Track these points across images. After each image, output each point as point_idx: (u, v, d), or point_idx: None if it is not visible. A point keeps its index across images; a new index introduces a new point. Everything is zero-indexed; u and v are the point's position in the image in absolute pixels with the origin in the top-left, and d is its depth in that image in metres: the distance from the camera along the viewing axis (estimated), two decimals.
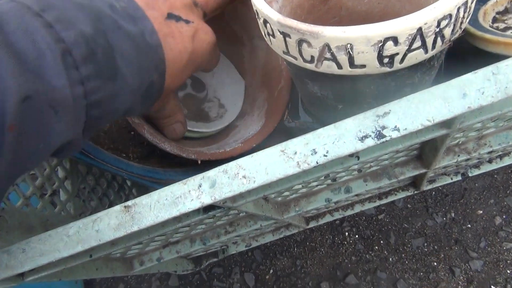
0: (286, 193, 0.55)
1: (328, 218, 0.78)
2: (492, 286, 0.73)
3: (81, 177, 0.73)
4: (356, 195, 0.72)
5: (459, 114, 0.32)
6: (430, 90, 0.32)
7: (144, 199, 0.37)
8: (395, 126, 0.32)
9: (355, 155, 0.38)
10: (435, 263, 0.76)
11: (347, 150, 0.33)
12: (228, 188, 0.35)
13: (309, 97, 0.55)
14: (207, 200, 0.35)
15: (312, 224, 0.79)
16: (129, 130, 0.75)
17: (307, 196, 0.59)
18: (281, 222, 0.70)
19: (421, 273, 0.76)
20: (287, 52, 0.46)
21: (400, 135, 0.32)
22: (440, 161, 0.55)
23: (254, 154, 0.35)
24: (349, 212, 0.77)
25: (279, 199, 0.57)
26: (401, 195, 0.75)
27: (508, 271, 0.73)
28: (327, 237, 0.84)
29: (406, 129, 0.32)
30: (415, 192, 0.74)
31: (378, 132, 0.33)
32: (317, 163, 0.34)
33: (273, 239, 0.80)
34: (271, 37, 0.46)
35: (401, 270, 0.78)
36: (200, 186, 0.36)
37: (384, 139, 0.32)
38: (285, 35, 0.42)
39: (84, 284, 0.96)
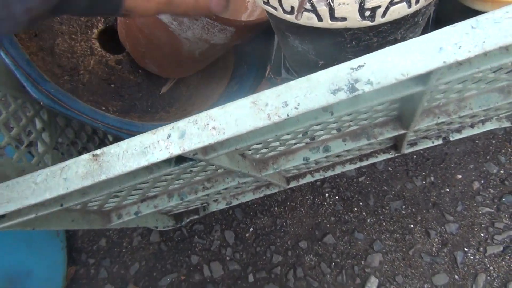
0: (264, 151, 0.54)
1: (309, 179, 0.79)
2: (465, 249, 0.74)
3: (60, 130, 0.72)
4: (337, 156, 0.72)
5: (435, 69, 0.31)
6: (407, 43, 0.31)
7: (112, 148, 0.36)
8: (369, 80, 0.31)
9: (329, 110, 0.37)
10: (412, 225, 0.77)
11: (319, 103, 0.32)
12: (197, 139, 0.34)
13: (290, 52, 0.54)
14: (176, 151, 0.35)
15: (293, 184, 0.79)
16: (109, 83, 0.74)
17: (286, 154, 0.58)
18: (261, 180, 0.70)
19: (398, 235, 0.78)
20: (267, 2, 0.45)
21: (373, 89, 0.31)
22: (419, 122, 0.54)
23: (225, 105, 0.34)
24: (330, 173, 0.77)
25: (257, 156, 0.57)
26: (382, 157, 0.75)
27: (482, 235, 0.74)
28: (307, 197, 0.84)
29: (379, 83, 0.31)
30: (396, 154, 0.74)
31: (351, 86, 0.32)
32: (288, 115, 0.33)
33: (254, 197, 0.80)
34: None
35: (378, 231, 0.79)
36: (169, 136, 0.35)
37: (356, 93, 0.32)
38: None
39: (66, 239, 0.97)
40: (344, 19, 0.41)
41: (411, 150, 0.74)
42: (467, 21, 0.31)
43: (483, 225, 0.75)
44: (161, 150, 0.35)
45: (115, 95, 0.73)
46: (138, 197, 0.61)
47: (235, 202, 0.82)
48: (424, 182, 0.79)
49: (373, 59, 0.32)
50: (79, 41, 0.72)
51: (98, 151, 0.36)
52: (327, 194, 0.83)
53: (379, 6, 0.40)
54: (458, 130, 0.73)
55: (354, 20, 0.41)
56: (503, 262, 0.72)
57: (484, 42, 0.30)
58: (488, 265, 0.73)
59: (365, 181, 0.82)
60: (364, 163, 0.76)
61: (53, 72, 0.66)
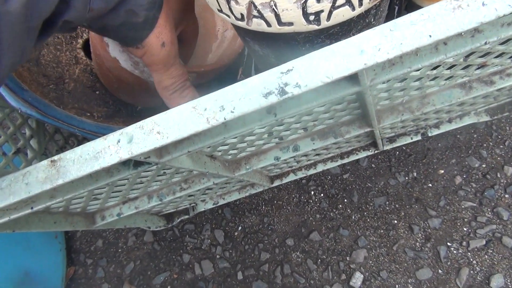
0: (233, 151, 0.56)
1: (292, 177, 0.80)
2: (448, 243, 0.75)
3: (49, 136, 0.75)
4: (317, 154, 0.73)
5: (358, 71, 0.32)
6: (331, 47, 0.33)
7: (68, 154, 0.38)
8: (297, 83, 0.33)
9: (272, 112, 0.39)
10: (395, 221, 0.78)
11: (253, 107, 0.34)
12: (143, 143, 0.36)
13: (254, 55, 0.55)
14: (124, 155, 0.37)
15: (277, 183, 0.81)
16: (94, 90, 0.77)
17: (257, 154, 0.60)
18: (234, 181, 0.72)
19: (382, 231, 0.79)
20: (220, 10, 0.46)
21: (301, 91, 0.33)
22: (384, 119, 0.55)
23: (168, 111, 0.37)
24: (312, 171, 0.79)
25: (228, 157, 0.58)
26: (362, 154, 0.76)
27: (465, 229, 0.74)
28: (293, 195, 0.86)
29: (306, 85, 0.33)
30: (376, 151, 0.75)
31: (281, 89, 0.33)
32: (225, 119, 0.35)
33: (240, 197, 0.82)
34: None
35: (362, 227, 0.80)
36: (118, 141, 0.37)
37: (286, 96, 0.33)
38: None
39: (65, 240, 1.00)
40: (291, 23, 0.42)
41: (390, 146, 0.75)
42: (387, 24, 0.32)
43: (465, 220, 0.75)
44: (111, 154, 0.37)
45: (100, 101, 0.75)
46: (119, 199, 0.64)
47: (221, 202, 0.84)
48: (407, 178, 0.80)
49: (301, 63, 0.33)
50: (64, 51, 0.75)
51: (56, 157, 0.39)
52: (312, 192, 0.85)
53: (322, 11, 0.41)
54: (436, 126, 0.73)
55: (301, 25, 0.42)
56: (486, 256, 0.72)
57: (401, 44, 0.31)
58: (471, 259, 0.73)
59: (349, 178, 0.83)
60: (345, 160, 0.77)
61: (39, 81, 0.69)
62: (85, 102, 0.73)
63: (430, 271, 0.74)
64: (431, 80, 0.50)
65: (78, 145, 0.85)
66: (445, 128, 0.73)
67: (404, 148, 0.81)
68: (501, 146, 0.76)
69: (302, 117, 0.49)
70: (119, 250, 0.96)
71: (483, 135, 0.78)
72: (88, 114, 0.71)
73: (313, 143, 0.58)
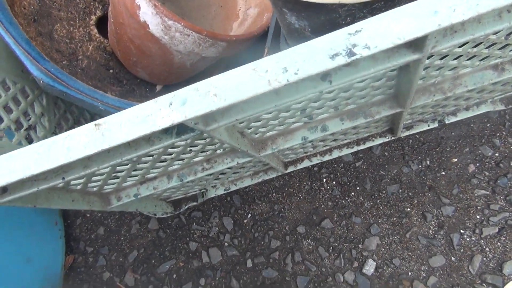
0: (263, 129, 0.55)
1: (306, 163, 0.79)
2: (461, 231, 0.75)
3: (59, 115, 0.72)
4: (334, 139, 0.73)
5: (430, 32, 0.32)
6: (402, 8, 0.32)
7: (114, 117, 0.37)
8: (366, 44, 0.32)
9: (327, 79, 0.38)
10: (408, 209, 0.78)
11: (318, 68, 0.33)
12: (198, 105, 0.35)
13: (288, 29, 0.54)
14: (177, 118, 0.35)
15: (291, 169, 0.80)
16: (108, 68, 0.74)
17: (284, 134, 0.59)
18: (259, 164, 0.71)
19: (395, 218, 0.79)
20: None
21: (370, 53, 0.32)
22: (415, 100, 0.55)
23: (226, 73, 0.35)
24: (328, 158, 0.78)
25: (256, 136, 0.57)
26: (379, 141, 0.76)
27: (478, 217, 0.75)
28: (305, 183, 0.85)
29: (376, 47, 0.32)
30: (392, 138, 0.75)
31: (349, 50, 0.32)
32: (287, 81, 0.34)
33: (252, 183, 0.81)
34: None
35: (375, 215, 0.79)
36: (171, 104, 0.36)
37: (354, 57, 0.32)
38: None
39: (64, 228, 0.97)
40: None
41: (407, 133, 0.75)
42: None
43: (478, 207, 0.76)
44: (163, 118, 0.35)
45: (113, 80, 0.73)
46: (138, 179, 0.62)
47: (233, 188, 0.82)
48: (420, 166, 0.80)
49: (370, 24, 0.33)
50: (78, 27, 0.72)
51: (100, 121, 0.37)
52: (324, 180, 0.84)
53: None
54: (453, 113, 0.74)
55: None
56: (499, 243, 0.73)
57: (477, 4, 0.31)
58: (484, 247, 0.74)
59: (362, 166, 0.83)
60: (361, 147, 0.77)
61: (52, 57, 0.66)
62: (99, 80, 0.71)
63: (443, 258, 0.75)
64: (467, 59, 0.50)
65: None
66: (462, 115, 0.73)
67: (417, 136, 0.81)
68: None
69: (339, 93, 0.49)
70: (122, 238, 0.93)
71: (496, 124, 0.78)
72: (102, 92, 0.69)
73: (342, 123, 0.58)
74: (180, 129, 0.41)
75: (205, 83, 0.35)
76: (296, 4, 0.46)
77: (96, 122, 0.37)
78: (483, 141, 0.78)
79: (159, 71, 0.68)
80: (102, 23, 0.76)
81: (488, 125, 0.79)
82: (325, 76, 0.38)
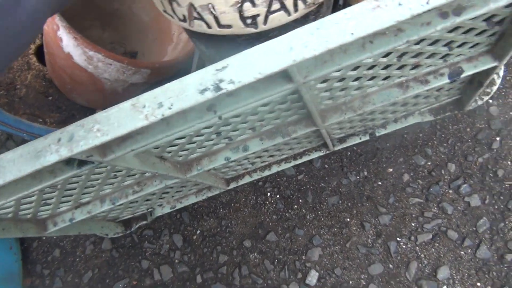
0: (183, 153, 0.57)
1: (247, 179, 0.82)
2: (398, 238, 0.78)
3: (0, 144, 0.74)
4: (271, 155, 0.75)
5: (288, 67, 0.34)
6: (264, 45, 0.35)
7: (8, 154, 0.38)
8: (231, 79, 0.35)
9: (212, 109, 0.41)
10: (348, 219, 0.81)
11: (189, 103, 0.35)
12: (84, 141, 0.37)
13: (202, 56, 0.57)
14: (65, 153, 0.37)
15: (233, 185, 0.82)
16: (47, 95, 0.76)
17: (208, 155, 0.61)
18: (188, 183, 0.73)
19: (335, 229, 0.81)
20: (165, 11, 0.48)
21: (235, 87, 0.35)
22: (328, 117, 0.58)
23: (109, 109, 0.37)
24: (267, 173, 0.81)
25: (179, 158, 0.59)
26: (315, 154, 0.78)
27: (413, 224, 0.78)
28: (250, 197, 0.87)
29: (240, 81, 0.34)
30: (327, 151, 0.78)
31: (216, 85, 0.35)
32: (163, 115, 0.36)
33: (196, 200, 0.83)
34: None
35: (317, 226, 0.82)
36: (59, 140, 0.38)
37: (221, 92, 0.35)
38: None
39: (22, 250, 0.98)
40: (229, 26, 0.44)
41: (341, 146, 0.78)
42: (314, 23, 0.34)
43: (413, 215, 0.78)
44: (51, 153, 0.37)
45: (52, 107, 0.75)
46: (71, 204, 0.63)
47: (179, 206, 0.84)
48: (358, 177, 0.83)
49: (235, 60, 0.35)
50: None
51: None
52: (268, 194, 0.86)
53: (258, 15, 0.43)
54: (383, 126, 0.76)
55: (239, 27, 0.44)
56: (433, 249, 0.76)
57: (326, 41, 0.33)
58: (419, 253, 0.76)
59: (303, 179, 0.85)
60: (298, 161, 0.79)
61: None
62: (37, 108, 0.72)
63: (381, 266, 0.77)
64: (369, 80, 0.52)
65: None
66: (391, 128, 0.76)
67: (355, 148, 0.84)
68: (445, 144, 0.80)
69: (247, 116, 0.51)
70: (77, 259, 0.94)
71: (428, 134, 0.81)
72: (41, 120, 0.71)
73: (262, 143, 0.60)
74: (80, 161, 0.43)
75: (90, 119, 0.37)
76: (200, 34, 0.49)
77: None
78: (416, 150, 0.81)
79: (94, 98, 0.70)
80: (41, 51, 0.78)
81: (421, 135, 0.82)
82: (210, 106, 0.41)
